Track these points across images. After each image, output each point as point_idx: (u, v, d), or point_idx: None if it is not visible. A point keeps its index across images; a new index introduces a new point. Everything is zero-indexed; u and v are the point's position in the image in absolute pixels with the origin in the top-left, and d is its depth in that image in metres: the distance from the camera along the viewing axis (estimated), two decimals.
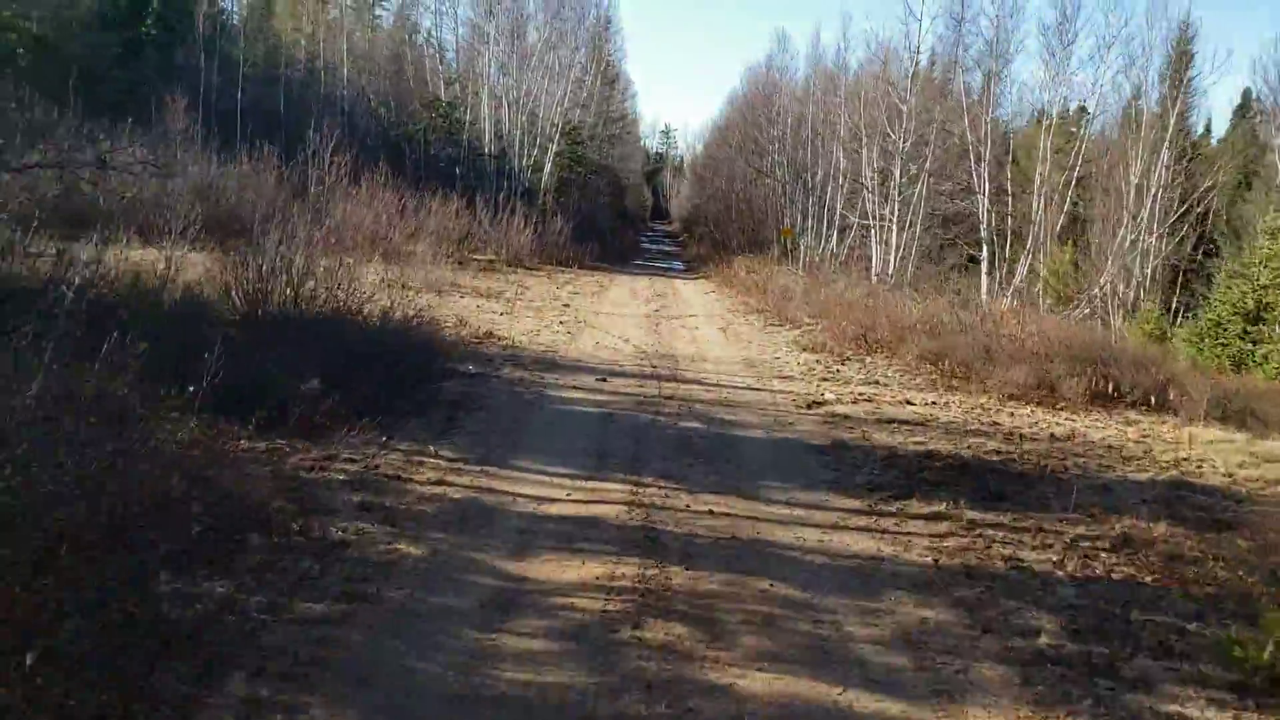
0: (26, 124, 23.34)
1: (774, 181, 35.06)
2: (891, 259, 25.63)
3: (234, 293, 11.64)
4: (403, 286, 16.95)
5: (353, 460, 6.92)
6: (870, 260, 26.79)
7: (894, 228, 25.96)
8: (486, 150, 34.75)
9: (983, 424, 10.26)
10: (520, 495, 6.66)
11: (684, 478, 7.37)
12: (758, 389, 11.33)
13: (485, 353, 12.02)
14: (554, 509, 6.45)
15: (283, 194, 24.42)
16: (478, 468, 7.14)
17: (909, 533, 6.51)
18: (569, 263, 27.53)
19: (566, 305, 17.92)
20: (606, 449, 8.08)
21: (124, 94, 29.21)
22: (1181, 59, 23.35)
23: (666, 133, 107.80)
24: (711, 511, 6.62)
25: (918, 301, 17.84)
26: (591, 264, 29.11)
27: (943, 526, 6.66)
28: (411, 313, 12.01)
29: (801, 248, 31.64)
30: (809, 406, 10.51)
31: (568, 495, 6.75)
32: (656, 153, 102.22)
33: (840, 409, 10.48)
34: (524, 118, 35.14)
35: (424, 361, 10.22)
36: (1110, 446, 9.61)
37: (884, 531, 6.51)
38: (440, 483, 6.72)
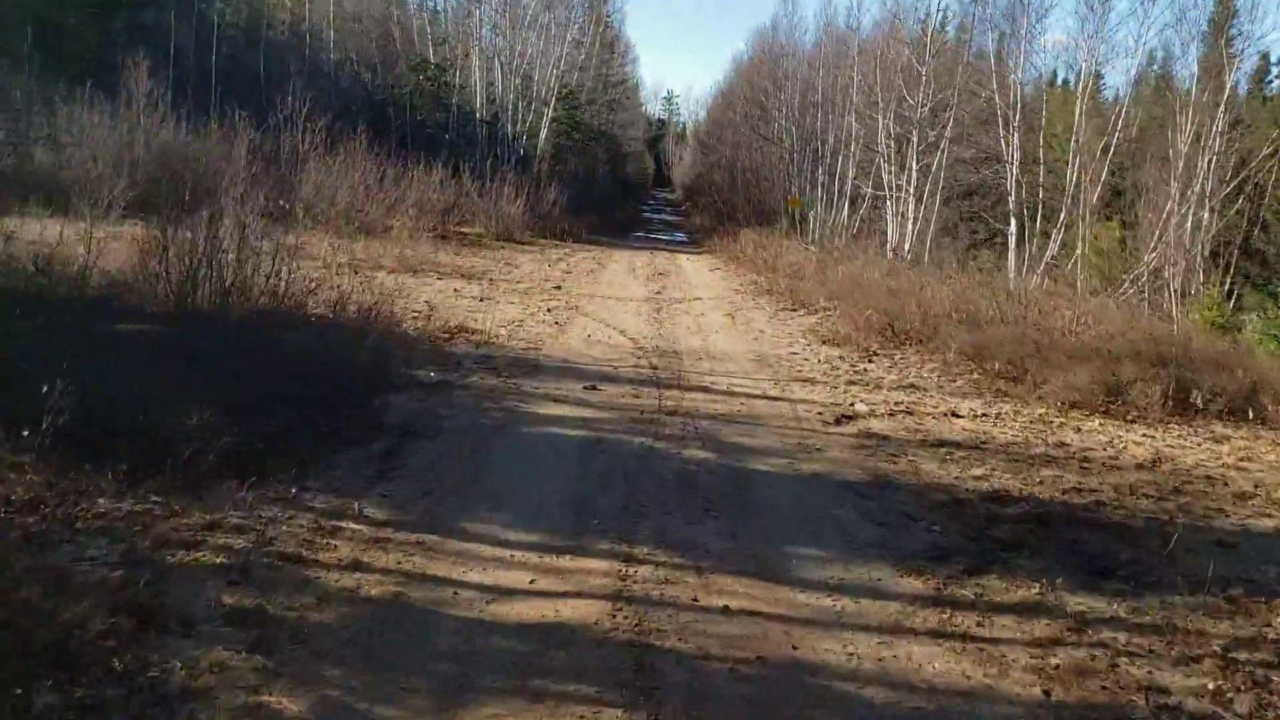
0: None
1: (781, 149, 33.03)
2: (908, 232, 23.74)
3: (160, 284, 9.86)
4: (372, 267, 15.12)
5: (242, 529, 5.09)
6: (886, 234, 24.90)
7: (911, 199, 24.06)
8: (478, 115, 32.71)
9: (1049, 446, 8.42)
10: (465, 585, 4.81)
11: (690, 545, 5.54)
12: (775, 397, 9.48)
13: (454, 352, 10.16)
14: (510, 611, 4.60)
15: (254, 164, 22.53)
16: (413, 537, 5.29)
17: (998, 639, 4.68)
18: (564, 236, 25.61)
19: (557, 288, 16.03)
20: (589, 497, 6.22)
21: (92, 56, 27.22)
22: (1225, 11, 21.28)
23: (669, 99, 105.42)
24: (727, 609, 4.77)
25: (946, 283, 15.97)
26: (589, 237, 27.18)
27: (1042, 626, 4.84)
28: (368, 304, 10.16)
29: (811, 220, 29.71)
30: (838, 421, 8.67)
31: (530, 583, 4.89)
32: (659, 119, 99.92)
33: (875, 425, 8.64)
34: (518, 81, 33.09)
35: (373, 368, 8.38)
36: (1209, 477, 7.77)
37: (965, 638, 4.67)
38: (356, 566, 4.88)
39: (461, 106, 32.48)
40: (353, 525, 5.35)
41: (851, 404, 9.34)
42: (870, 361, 11.65)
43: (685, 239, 35.71)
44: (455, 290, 14.42)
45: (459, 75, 33.03)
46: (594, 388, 9.09)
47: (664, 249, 28.38)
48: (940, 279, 16.59)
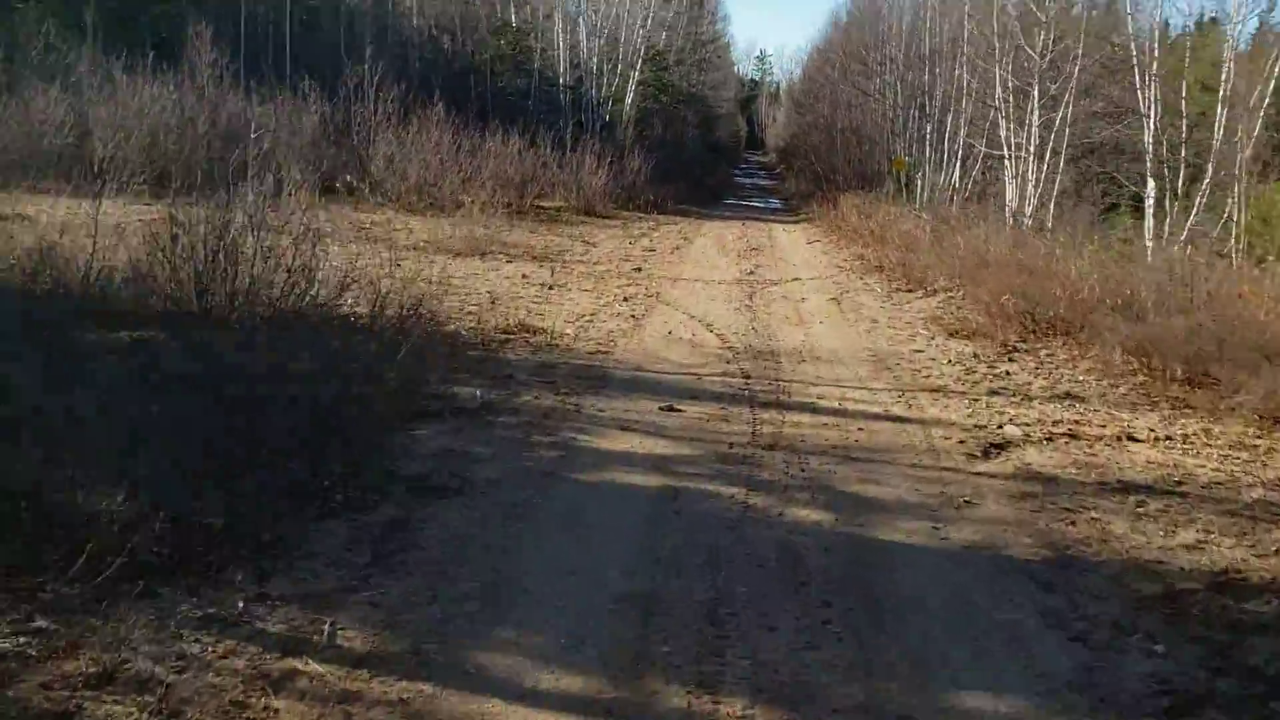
0: (40, 61, 20.46)
1: (884, 106, 30.56)
2: (1029, 195, 21.29)
3: (165, 280, 8.43)
4: (437, 250, 13.58)
5: (144, 683, 3.48)
6: (1004, 198, 22.45)
7: (1031, 158, 21.57)
8: (561, 81, 31.01)
9: (1266, 486, 6.37)
10: None
11: (801, 693, 3.74)
12: (901, 417, 7.55)
13: (509, 359, 8.49)
14: None
15: (326, 136, 21.23)
16: (396, 687, 3.61)
17: None
18: (649, 207, 23.80)
19: (637, 269, 14.28)
20: (657, 597, 4.41)
21: (163, 28, 26.28)
22: None
23: (761, 58, 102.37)
24: None
25: (1084, 257, 13.69)
26: (676, 207, 25.31)
27: None
28: (412, 301, 8.53)
29: (918, 182, 27.31)
30: (986, 454, 6.72)
31: None
32: (751, 80, 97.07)
33: (1035, 458, 6.68)
34: (602, 43, 31.28)
35: (401, 390, 6.76)
36: None
37: None
38: None
39: (544, 72, 30.81)
40: (314, 665, 3.68)
41: (999, 426, 7.37)
42: (1011, 360, 9.61)
43: (780, 206, 33.55)
44: (523, 276, 12.77)
45: (541, 39, 31.34)
46: (671, 409, 7.30)
47: (757, 218, 26.36)
48: (1075, 250, 14.32)
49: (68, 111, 17.62)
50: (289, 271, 8.20)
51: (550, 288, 12.05)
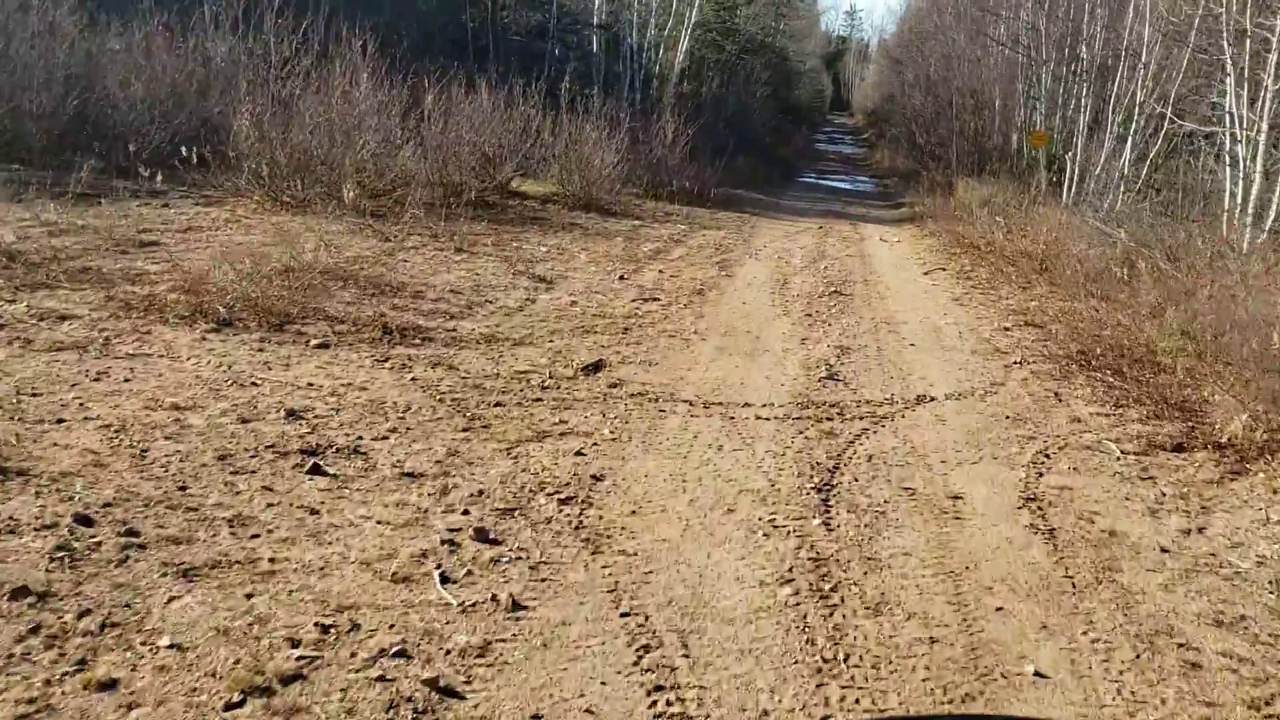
0: None
1: (1016, 60, 22.32)
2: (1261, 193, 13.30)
3: None
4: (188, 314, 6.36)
5: None
6: (1224, 195, 14.41)
7: (1261, 138, 13.53)
8: (595, 18, 23.42)
9: None
10: None
11: None
12: None
13: None
14: None
15: (192, 86, 14.07)
16: None
17: None
18: (686, 198, 16.26)
19: (590, 372, 6.72)
20: None
21: None
22: None
23: (851, 13, 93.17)
24: None
25: None
26: (730, 193, 17.68)
27: None
28: None
29: (1068, 165, 19.21)
30: None
31: None
32: (839, 36, 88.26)
33: None
34: None
35: None
36: None
37: None
38: None
39: (570, 7, 23.21)
40: None
41: None
42: None
43: (872, 188, 25.59)
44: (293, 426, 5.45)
45: None
46: None
47: (842, 213, 18.57)
48: None
49: None
50: None
51: (332, 480, 4.68)
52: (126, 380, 5.43)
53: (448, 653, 3.25)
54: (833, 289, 10.19)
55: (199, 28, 13.78)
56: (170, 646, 3.10)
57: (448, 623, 3.43)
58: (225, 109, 12.56)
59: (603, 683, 3.15)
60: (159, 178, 11.01)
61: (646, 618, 3.58)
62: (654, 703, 3.07)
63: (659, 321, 8.14)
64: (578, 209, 13.92)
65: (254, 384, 5.64)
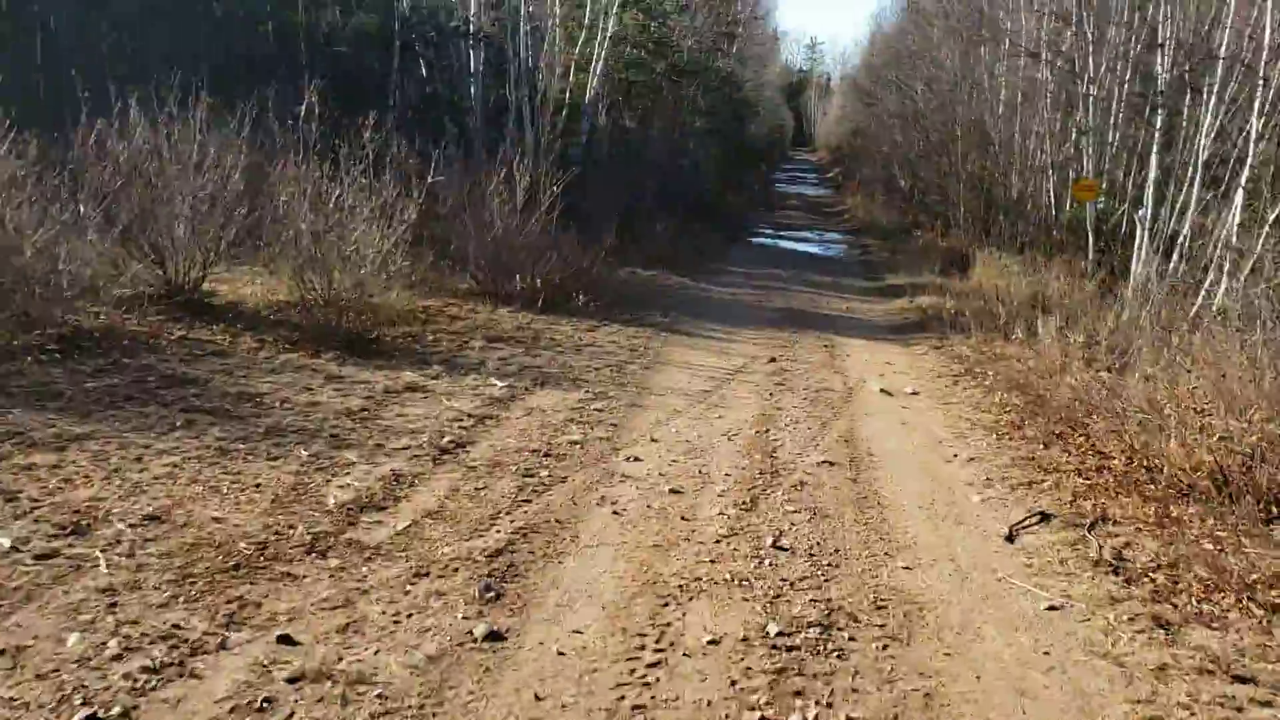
0: None
1: (1048, 74, 15.75)
2: None
3: None
4: None
5: None
6: None
7: None
8: (468, 23, 16.73)
9: None
10: None
11: None
12: None
13: None
14: None
15: None
16: None
17: None
18: (548, 302, 9.41)
19: None
20: None
21: None
22: None
23: (812, 45, 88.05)
24: None
25: None
26: (630, 281, 10.93)
27: None
28: None
29: (1142, 231, 12.63)
30: None
31: None
32: (800, 70, 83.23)
33: None
34: None
35: None
36: None
37: None
38: None
39: (425, 8, 16.39)
40: None
41: None
42: None
43: (846, 252, 19.01)
44: None
45: None
46: None
47: (806, 309, 11.76)
48: None
49: None
50: None
51: None
52: None
53: None
54: (802, 640, 3.42)
55: None
56: None
57: None
58: None
59: None
60: None
61: None
62: None
63: None
64: (308, 343, 7.11)
65: None
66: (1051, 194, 15.34)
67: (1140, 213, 12.87)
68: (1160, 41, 12.63)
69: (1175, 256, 11.79)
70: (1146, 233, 12.44)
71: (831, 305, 12.12)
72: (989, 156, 17.19)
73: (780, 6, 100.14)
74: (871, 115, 30.44)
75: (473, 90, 16.75)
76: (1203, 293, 10.00)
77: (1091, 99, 13.96)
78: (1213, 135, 11.41)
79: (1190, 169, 11.99)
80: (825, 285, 13.70)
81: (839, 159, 46.54)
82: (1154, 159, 12.73)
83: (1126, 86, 13.83)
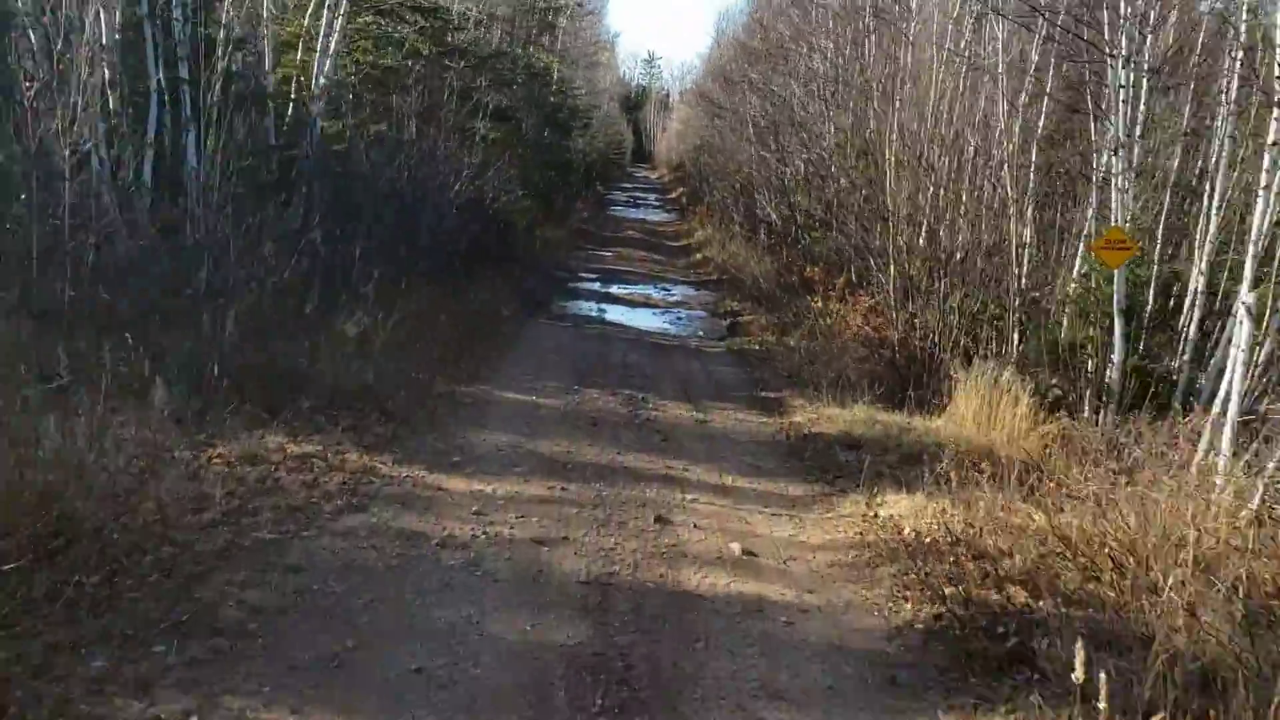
0: None
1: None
2: None
3: None
4: None
5: None
6: None
7: None
8: None
9: None
10: None
11: None
12: None
13: None
14: None
15: None
16: None
17: None
18: None
19: None
20: None
21: None
22: None
23: (650, 61, 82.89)
24: None
25: None
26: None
27: None
28: None
29: (1238, 342, 6.42)
30: None
31: None
32: (638, 85, 78.23)
33: None
34: None
35: None
36: None
37: None
38: None
39: None
40: None
41: None
42: None
43: (706, 326, 12.29)
44: None
45: None
46: None
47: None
48: None
49: None
50: None
51: None
52: None
53: None
54: None
55: None
56: None
57: None
58: None
59: None
60: None
61: None
62: None
63: None
64: None
65: None
66: (1027, 254, 9.09)
67: (1242, 294, 6.62)
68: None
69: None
70: (1244, 333, 6.22)
71: (706, 541, 5.21)
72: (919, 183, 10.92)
73: (610, 9, 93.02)
74: (718, 129, 24.21)
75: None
76: None
77: (1121, 70, 7.59)
78: None
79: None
80: (686, 438, 6.92)
81: (682, 178, 40.54)
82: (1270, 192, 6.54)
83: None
